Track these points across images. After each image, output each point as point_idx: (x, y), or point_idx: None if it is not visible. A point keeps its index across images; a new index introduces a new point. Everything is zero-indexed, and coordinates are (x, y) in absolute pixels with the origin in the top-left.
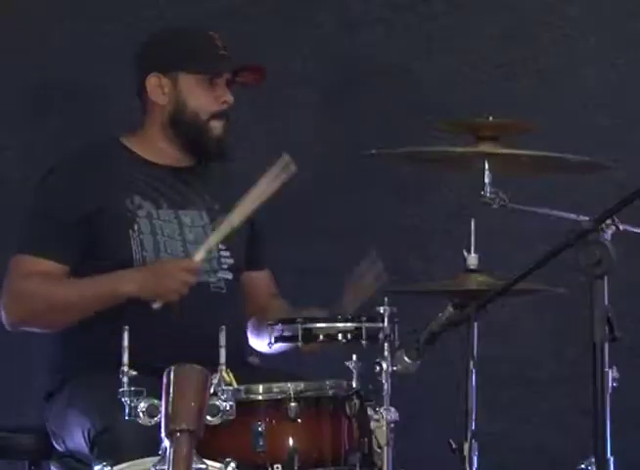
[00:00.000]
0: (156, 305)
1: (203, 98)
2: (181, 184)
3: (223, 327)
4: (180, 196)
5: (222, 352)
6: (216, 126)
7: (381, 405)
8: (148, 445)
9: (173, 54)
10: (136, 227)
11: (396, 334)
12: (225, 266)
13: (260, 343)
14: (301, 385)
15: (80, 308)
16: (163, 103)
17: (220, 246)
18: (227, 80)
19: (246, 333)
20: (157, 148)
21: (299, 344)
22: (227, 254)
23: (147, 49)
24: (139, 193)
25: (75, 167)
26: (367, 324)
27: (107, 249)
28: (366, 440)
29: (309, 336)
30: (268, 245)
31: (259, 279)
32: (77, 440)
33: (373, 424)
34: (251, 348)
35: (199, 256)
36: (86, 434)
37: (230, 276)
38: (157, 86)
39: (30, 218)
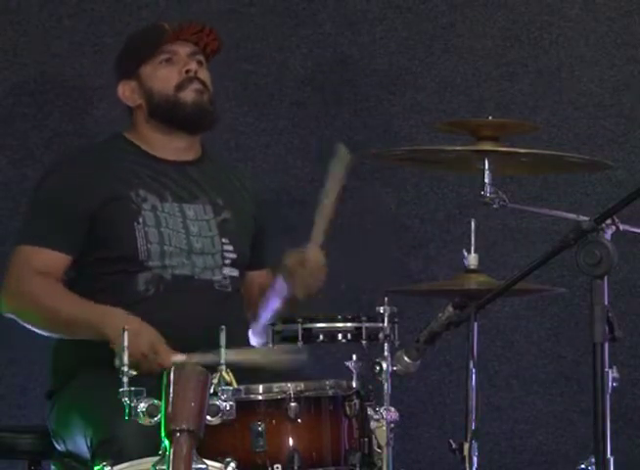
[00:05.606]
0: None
1: (164, 76)
2: (185, 179)
3: (223, 327)
4: (184, 190)
5: (222, 352)
6: (186, 95)
7: (381, 405)
8: (149, 448)
9: (129, 56)
10: (141, 220)
11: (396, 334)
12: (228, 262)
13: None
14: (301, 385)
15: (72, 327)
16: (139, 102)
17: (223, 240)
18: (190, 54)
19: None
20: (156, 143)
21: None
22: (230, 248)
23: (114, 64)
24: (144, 186)
25: (80, 162)
26: (367, 324)
27: (113, 241)
28: (366, 440)
29: (309, 336)
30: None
31: (257, 279)
32: (79, 444)
33: (373, 424)
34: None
35: (178, 358)
36: (88, 442)
37: (236, 273)
38: (128, 92)
39: (33, 210)
